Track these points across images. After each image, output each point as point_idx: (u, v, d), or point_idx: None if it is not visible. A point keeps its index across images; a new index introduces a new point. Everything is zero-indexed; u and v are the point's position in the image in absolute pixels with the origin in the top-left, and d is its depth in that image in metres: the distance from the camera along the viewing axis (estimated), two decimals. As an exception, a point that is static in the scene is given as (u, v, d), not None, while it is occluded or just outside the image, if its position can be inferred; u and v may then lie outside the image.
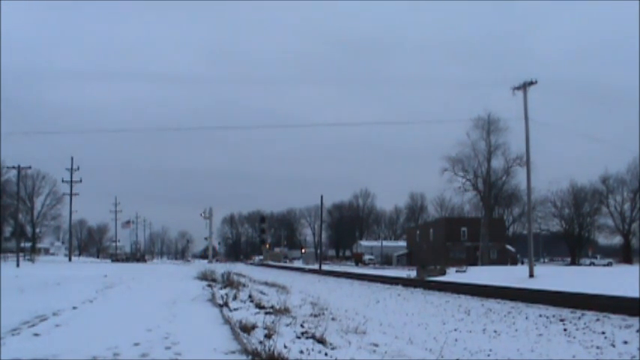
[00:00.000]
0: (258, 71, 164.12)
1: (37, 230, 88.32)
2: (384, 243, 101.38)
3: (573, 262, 77.74)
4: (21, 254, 56.02)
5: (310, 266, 71.94)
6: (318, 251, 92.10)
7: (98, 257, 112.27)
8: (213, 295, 16.85)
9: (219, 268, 33.22)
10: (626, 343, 10.97)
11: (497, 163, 61.84)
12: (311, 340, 8.66)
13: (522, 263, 65.81)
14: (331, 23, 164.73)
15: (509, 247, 75.88)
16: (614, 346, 10.80)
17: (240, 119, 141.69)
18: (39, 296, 15.51)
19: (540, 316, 15.47)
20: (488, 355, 10.40)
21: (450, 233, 73.18)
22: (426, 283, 28.96)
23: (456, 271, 36.56)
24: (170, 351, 7.21)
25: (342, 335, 9.99)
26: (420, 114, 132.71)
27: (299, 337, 8.83)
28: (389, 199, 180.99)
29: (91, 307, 13.10)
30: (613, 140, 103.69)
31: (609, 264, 65.66)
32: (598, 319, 14.09)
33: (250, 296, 16.17)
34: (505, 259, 67.96)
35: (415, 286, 28.45)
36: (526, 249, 34.81)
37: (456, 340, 11.91)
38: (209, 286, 21.49)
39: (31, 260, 63.16)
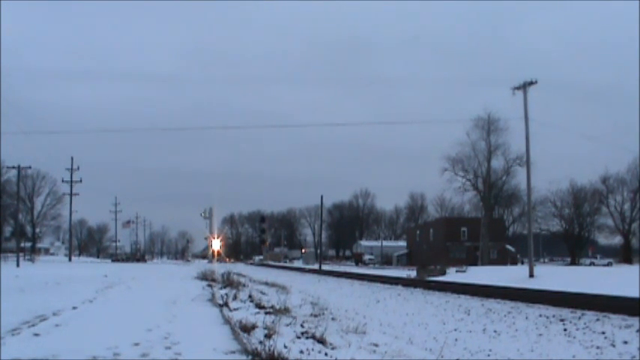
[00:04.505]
0: (256, 71, 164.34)
1: (37, 230, 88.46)
2: (384, 243, 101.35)
3: (573, 262, 77.71)
4: (21, 254, 56.05)
5: (310, 266, 71.89)
6: (318, 251, 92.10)
7: (98, 257, 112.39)
8: (213, 295, 16.86)
9: (219, 268, 33.24)
10: (626, 343, 10.97)
11: (497, 163, 61.95)
12: (311, 340, 8.66)
13: (522, 263, 65.80)
14: (331, 23, 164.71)
15: (509, 247, 75.88)
16: (614, 346, 10.80)
17: (239, 119, 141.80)
18: (39, 296, 15.50)
19: (540, 316, 15.46)
20: (488, 355, 10.40)
21: (450, 233, 73.18)
22: (426, 283, 28.94)
23: (456, 271, 36.58)
24: (170, 351, 7.21)
25: (342, 335, 9.99)
26: (418, 114, 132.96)
27: (299, 337, 8.82)
28: (389, 199, 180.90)
29: (91, 307, 13.10)
30: (613, 140, 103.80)
31: (609, 264, 65.65)
32: (598, 319, 14.07)
33: (250, 296, 16.18)
34: (505, 259, 67.98)
35: (415, 286, 28.42)
36: (526, 249, 34.82)
37: (456, 340, 11.92)
38: (209, 286, 21.51)
39: (31, 260, 63.26)
